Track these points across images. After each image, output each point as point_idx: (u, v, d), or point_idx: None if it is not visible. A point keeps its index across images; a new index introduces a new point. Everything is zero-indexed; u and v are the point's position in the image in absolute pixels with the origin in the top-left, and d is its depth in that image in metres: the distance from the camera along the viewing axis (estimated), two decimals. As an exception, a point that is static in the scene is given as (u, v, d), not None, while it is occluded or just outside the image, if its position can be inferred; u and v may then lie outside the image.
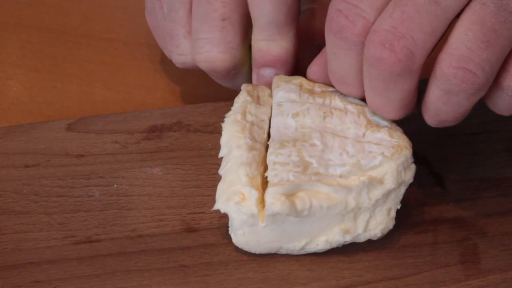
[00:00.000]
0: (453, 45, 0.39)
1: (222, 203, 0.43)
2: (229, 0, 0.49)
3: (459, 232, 0.46)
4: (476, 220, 0.46)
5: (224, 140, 0.45)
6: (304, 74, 0.48)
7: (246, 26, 0.50)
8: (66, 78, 0.59)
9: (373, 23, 0.41)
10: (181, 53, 0.52)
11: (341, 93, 0.46)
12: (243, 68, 0.51)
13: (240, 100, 0.47)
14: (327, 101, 0.46)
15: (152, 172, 0.49)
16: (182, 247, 0.45)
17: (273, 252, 0.44)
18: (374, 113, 0.45)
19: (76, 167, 0.49)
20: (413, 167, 0.44)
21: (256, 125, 0.46)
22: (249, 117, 0.46)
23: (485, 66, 0.39)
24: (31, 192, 0.48)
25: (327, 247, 0.44)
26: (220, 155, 0.45)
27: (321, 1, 0.54)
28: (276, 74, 0.49)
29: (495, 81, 0.41)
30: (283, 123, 0.45)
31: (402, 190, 0.44)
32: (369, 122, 0.45)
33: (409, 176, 0.44)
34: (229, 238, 0.44)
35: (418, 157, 0.49)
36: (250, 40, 0.51)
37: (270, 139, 0.45)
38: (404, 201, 0.44)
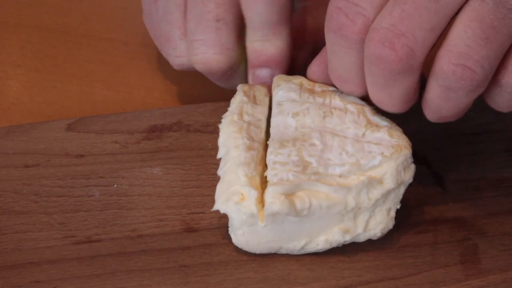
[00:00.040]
0: (452, 41, 0.39)
1: (221, 204, 0.43)
2: (223, 1, 0.49)
3: (459, 232, 0.46)
4: (476, 220, 0.46)
5: (221, 141, 0.45)
6: (299, 73, 0.48)
7: (241, 27, 0.50)
8: (66, 78, 0.59)
9: (372, 21, 0.41)
10: (178, 55, 0.52)
11: (341, 93, 0.46)
12: (239, 68, 0.51)
13: (237, 100, 0.47)
14: (327, 101, 0.46)
15: (152, 172, 0.49)
16: (182, 247, 0.45)
17: (273, 252, 0.44)
18: (374, 112, 0.45)
19: (76, 167, 0.49)
20: (412, 167, 0.44)
21: (253, 125, 0.46)
22: (246, 117, 0.46)
23: (484, 63, 0.39)
24: (31, 192, 0.48)
25: (327, 246, 0.44)
26: (218, 156, 0.46)
27: None
28: (272, 74, 0.50)
29: (494, 78, 0.41)
30: (283, 122, 0.45)
31: (402, 190, 0.44)
32: (369, 121, 0.45)
33: (408, 176, 0.44)
34: (229, 238, 0.44)
35: (418, 157, 0.49)
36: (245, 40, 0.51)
37: (270, 138, 0.45)
38: (404, 201, 0.44)
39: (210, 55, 0.50)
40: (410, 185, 0.44)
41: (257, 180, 0.43)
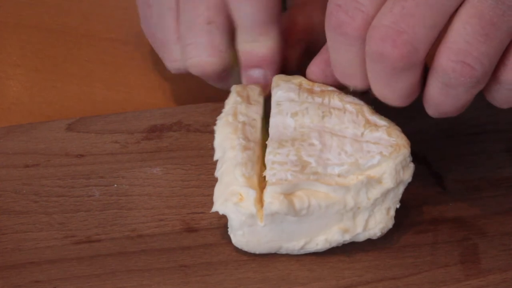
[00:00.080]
0: (452, 38, 0.39)
1: (220, 205, 0.43)
2: (213, 4, 0.49)
3: (459, 232, 0.46)
4: (476, 220, 0.46)
5: (217, 142, 0.46)
6: (292, 72, 0.48)
7: (232, 28, 0.50)
8: (66, 78, 0.59)
9: (372, 18, 0.41)
10: (173, 59, 0.52)
11: (340, 93, 0.46)
12: (234, 69, 0.51)
13: (231, 101, 0.47)
14: (326, 101, 0.46)
15: (152, 172, 0.49)
16: (182, 247, 0.45)
17: (273, 252, 0.44)
18: (373, 112, 0.45)
19: (76, 167, 0.49)
20: (411, 166, 0.44)
21: (248, 125, 0.46)
22: (240, 118, 0.46)
23: (484, 60, 0.39)
24: (31, 192, 0.48)
25: (327, 246, 0.44)
26: (215, 158, 0.46)
27: None
28: (264, 74, 0.50)
29: (493, 75, 0.41)
30: (282, 122, 0.45)
31: (401, 189, 0.44)
32: (367, 121, 0.45)
33: (407, 175, 0.44)
34: (229, 238, 0.44)
35: (418, 157, 0.49)
36: None
37: (269, 138, 0.45)
38: (404, 201, 0.44)
39: (204, 58, 0.50)
40: (410, 185, 0.44)
41: (255, 180, 0.43)
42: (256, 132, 0.46)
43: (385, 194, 0.43)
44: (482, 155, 0.50)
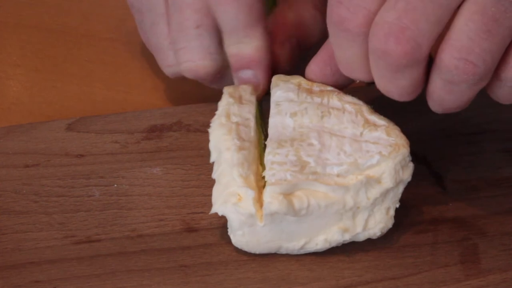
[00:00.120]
0: (454, 35, 0.39)
1: (219, 206, 0.43)
2: (200, 6, 0.50)
3: (459, 232, 0.46)
4: (476, 220, 0.46)
5: (212, 144, 0.46)
6: (286, 70, 0.48)
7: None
8: (66, 78, 0.59)
9: (374, 13, 0.40)
10: (169, 64, 0.52)
11: (339, 92, 0.46)
12: (228, 69, 0.51)
13: (223, 103, 0.47)
14: (325, 101, 0.46)
15: (152, 172, 0.49)
16: (182, 247, 0.45)
17: (273, 252, 0.44)
18: (372, 112, 0.45)
19: (76, 167, 0.49)
20: (411, 165, 0.44)
21: (241, 125, 0.46)
22: (233, 118, 0.46)
23: (486, 57, 0.39)
24: (31, 192, 0.48)
25: (327, 246, 0.44)
26: (211, 160, 0.46)
27: None
28: (254, 74, 0.50)
29: (495, 72, 0.41)
30: (281, 122, 0.45)
31: (401, 189, 0.44)
32: (366, 121, 0.45)
33: (407, 174, 0.44)
34: (229, 238, 0.44)
35: (418, 157, 0.49)
36: None
37: (268, 138, 0.45)
38: (404, 201, 0.44)
39: (196, 62, 0.50)
40: (410, 185, 0.44)
41: (252, 179, 0.43)
42: (250, 132, 0.46)
43: (385, 194, 0.43)
44: (482, 155, 0.50)
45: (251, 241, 0.44)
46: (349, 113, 0.45)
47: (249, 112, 0.47)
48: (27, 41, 0.62)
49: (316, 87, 0.47)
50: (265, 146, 0.46)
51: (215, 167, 0.45)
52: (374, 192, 0.43)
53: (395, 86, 0.42)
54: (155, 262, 0.44)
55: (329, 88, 0.46)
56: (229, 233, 0.44)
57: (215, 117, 0.47)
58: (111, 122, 0.52)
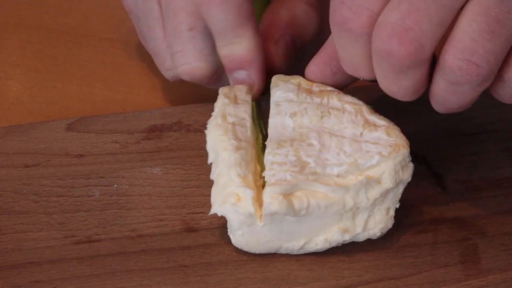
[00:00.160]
0: (457, 36, 0.39)
1: (218, 206, 0.43)
2: (192, 10, 0.50)
3: (459, 232, 0.46)
4: (476, 220, 0.46)
5: (209, 146, 0.46)
6: (280, 68, 0.48)
7: None
8: (66, 78, 0.59)
9: (377, 14, 0.40)
10: (167, 68, 0.53)
11: (339, 93, 0.46)
12: (224, 70, 0.51)
13: (219, 104, 0.47)
14: (324, 101, 0.46)
15: (152, 172, 0.49)
16: (182, 247, 0.45)
17: (273, 251, 0.44)
18: (372, 112, 0.45)
19: (76, 167, 0.49)
20: (411, 166, 0.44)
21: (238, 125, 0.46)
22: (229, 119, 0.46)
23: (490, 58, 0.39)
24: (31, 192, 0.48)
25: (327, 246, 0.44)
26: (209, 161, 0.46)
27: None
28: (248, 74, 0.50)
29: (498, 73, 0.41)
30: (281, 123, 0.45)
31: (401, 189, 0.44)
32: (366, 121, 0.45)
33: (407, 175, 0.44)
34: (229, 238, 0.44)
35: (418, 157, 0.49)
36: None
37: (268, 139, 0.45)
38: (404, 201, 0.44)
39: (191, 64, 0.51)
40: (410, 185, 0.44)
41: (250, 178, 0.43)
42: (247, 131, 0.46)
43: (385, 194, 0.43)
44: (482, 155, 0.50)
45: (250, 241, 0.44)
46: (349, 113, 0.45)
47: (244, 111, 0.47)
48: (27, 41, 0.62)
49: (315, 87, 0.47)
50: (264, 146, 0.46)
51: (213, 168, 0.45)
52: (374, 192, 0.43)
53: (398, 87, 0.42)
54: (155, 262, 0.44)
55: (329, 88, 0.46)
56: (228, 233, 0.44)
57: (211, 118, 0.47)
58: (111, 122, 0.52)
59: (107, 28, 0.62)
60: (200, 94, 0.56)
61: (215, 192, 0.44)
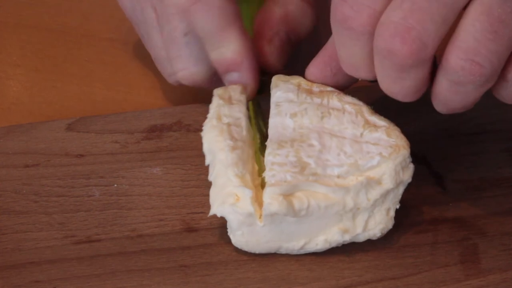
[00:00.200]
0: (460, 36, 0.39)
1: (217, 207, 0.43)
2: (186, 15, 0.50)
3: (459, 232, 0.46)
4: (476, 220, 0.46)
5: (206, 147, 0.46)
6: (276, 66, 0.48)
7: None
8: (66, 78, 0.59)
9: (379, 12, 0.40)
10: (169, 74, 0.53)
11: (339, 93, 0.46)
12: None
13: (213, 105, 0.48)
14: (325, 101, 0.46)
15: (152, 172, 0.49)
16: (182, 247, 0.45)
17: (273, 251, 0.44)
18: (372, 112, 0.45)
19: (76, 167, 0.49)
20: (411, 166, 0.44)
21: (233, 125, 0.46)
22: (224, 119, 0.46)
23: (493, 58, 0.39)
24: (31, 192, 0.48)
25: (327, 246, 0.44)
26: (206, 163, 0.46)
27: None
28: (240, 76, 0.50)
29: (501, 73, 0.40)
30: (281, 123, 0.45)
31: (401, 190, 0.44)
32: (366, 122, 0.45)
33: (407, 176, 0.44)
34: (229, 237, 0.44)
35: (418, 157, 0.49)
36: None
37: (268, 139, 0.45)
38: (404, 201, 0.44)
39: (189, 69, 0.51)
40: (410, 185, 0.44)
41: (248, 178, 0.43)
42: (242, 131, 0.46)
43: (385, 195, 0.43)
44: (482, 155, 0.50)
45: (250, 241, 0.44)
46: (349, 114, 0.45)
47: (239, 111, 0.47)
48: (27, 41, 0.62)
49: (316, 88, 0.47)
50: (262, 145, 0.46)
51: (210, 170, 0.45)
52: (374, 193, 0.43)
53: (399, 87, 0.42)
54: (155, 262, 0.44)
55: (329, 88, 0.46)
56: (228, 233, 0.44)
57: (207, 120, 0.47)
58: (111, 122, 0.52)
59: (107, 28, 0.62)
60: (200, 94, 0.56)
61: (213, 193, 0.44)
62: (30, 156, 0.50)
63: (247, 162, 0.44)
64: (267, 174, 0.43)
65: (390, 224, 0.44)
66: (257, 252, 0.44)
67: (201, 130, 0.51)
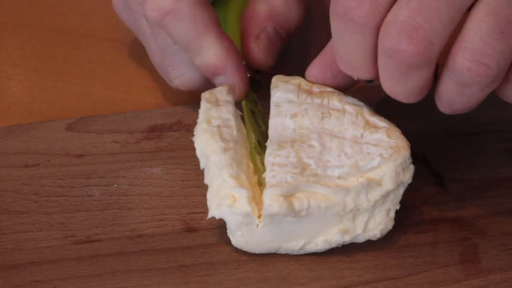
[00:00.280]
0: (466, 37, 0.39)
1: (215, 209, 0.43)
2: (162, 28, 0.50)
3: (459, 232, 0.46)
4: (476, 220, 0.46)
5: (198, 151, 0.46)
6: (267, 63, 0.48)
7: None
8: (66, 78, 0.59)
9: (382, 6, 0.40)
10: (169, 80, 0.53)
11: (339, 94, 0.46)
12: None
13: (202, 109, 0.47)
14: (325, 102, 0.46)
15: (152, 172, 0.49)
16: (182, 247, 0.45)
17: (273, 252, 0.44)
18: (373, 113, 0.45)
19: (76, 167, 0.49)
20: (411, 167, 0.44)
21: (223, 126, 0.46)
22: (214, 122, 0.46)
23: (499, 58, 0.39)
24: (31, 192, 0.48)
25: (326, 247, 0.44)
26: (200, 167, 0.46)
27: None
28: (226, 79, 0.49)
29: (506, 73, 0.40)
30: (281, 124, 0.45)
31: (401, 190, 0.44)
32: (367, 122, 0.45)
33: (407, 176, 0.44)
34: (229, 237, 0.44)
35: (418, 157, 0.49)
36: None
37: (268, 140, 0.45)
38: (404, 201, 0.44)
39: (184, 76, 0.51)
40: (410, 185, 0.44)
41: (244, 178, 0.43)
42: (233, 131, 0.46)
43: (385, 196, 0.43)
44: (482, 155, 0.50)
45: (250, 241, 0.44)
46: (350, 115, 0.45)
47: (227, 112, 0.47)
48: (27, 41, 0.62)
49: (316, 88, 0.46)
50: (258, 144, 0.46)
51: (205, 173, 0.45)
52: (375, 194, 0.43)
53: (403, 87, 0.41)
54: (155, 262, 0.44)
55: (329, 89, 0.46)
56: (228, 234, 0.44)
57: (197, 125, 0.47)
58: (111, 122, 0.52)
59: (107, 28, 0.62)
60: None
61: (210, 196, 0.44)
62: (30, 156, 0.50)
63: (241, 162, 0.44)
64: (267, 175, 0.43)
65: (390, 225, 0.44)
66: (257, 252, 0.44)
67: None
